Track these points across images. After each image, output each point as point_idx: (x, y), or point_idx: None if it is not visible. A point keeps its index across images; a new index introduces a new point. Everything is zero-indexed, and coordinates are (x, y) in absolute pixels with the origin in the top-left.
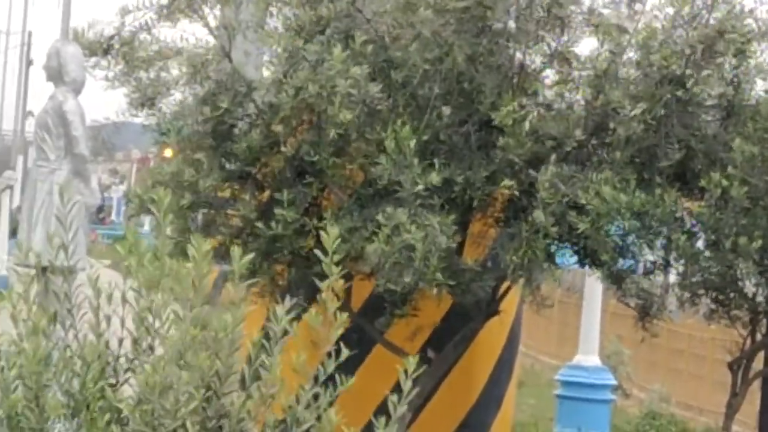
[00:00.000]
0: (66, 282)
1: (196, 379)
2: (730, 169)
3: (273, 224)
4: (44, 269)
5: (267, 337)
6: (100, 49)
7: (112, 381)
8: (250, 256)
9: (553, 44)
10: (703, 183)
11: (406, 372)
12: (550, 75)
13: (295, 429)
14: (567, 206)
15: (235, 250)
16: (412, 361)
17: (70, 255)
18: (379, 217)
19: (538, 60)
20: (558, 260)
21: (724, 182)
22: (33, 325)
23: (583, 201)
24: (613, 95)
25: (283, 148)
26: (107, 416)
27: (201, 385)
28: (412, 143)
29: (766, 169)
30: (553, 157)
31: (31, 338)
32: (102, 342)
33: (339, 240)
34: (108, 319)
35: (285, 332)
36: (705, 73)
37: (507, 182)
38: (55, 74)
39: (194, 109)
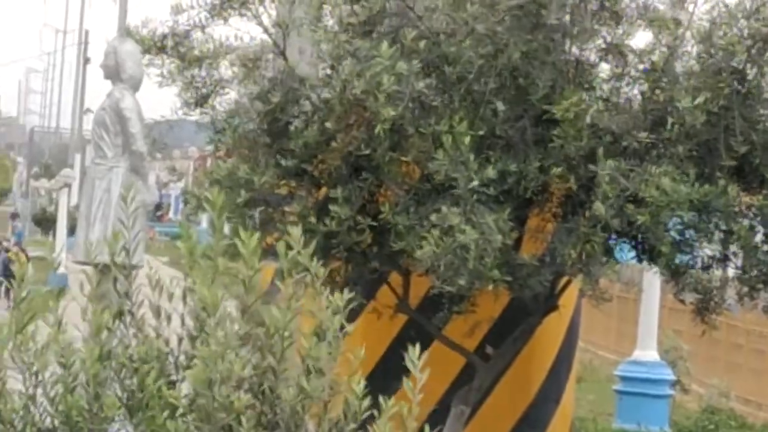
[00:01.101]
0: (126, 280)
1: (249, 373)
2: None
3: (328, 221)
4: (104, 267)
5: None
6: (154, 47)
7: (172, 378)
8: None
9: (608, 38)
10: (765, 173)
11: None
12: (605, 69)
13: (351, 424)
14: (626, 200)
15: (281, 246)
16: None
17: (131, 252)
18: (433, 218)
19: (593, 55)
20: (616, 255)
21: None
22: (94, 324)
23: (643, 194)
24: (673, 90)
25: (336, 144)
26: (165, 414)
27: (255, 380)
28: (468, 139)
29: None
30: (605, 151)
31: (91, 337)
32: (161, 340)
33: (396, 236)
34: (168, 317)
35: (342, 327)
36: (765, 59)
37: (557, 170)
38: (113, 72)
39: (249, 107)
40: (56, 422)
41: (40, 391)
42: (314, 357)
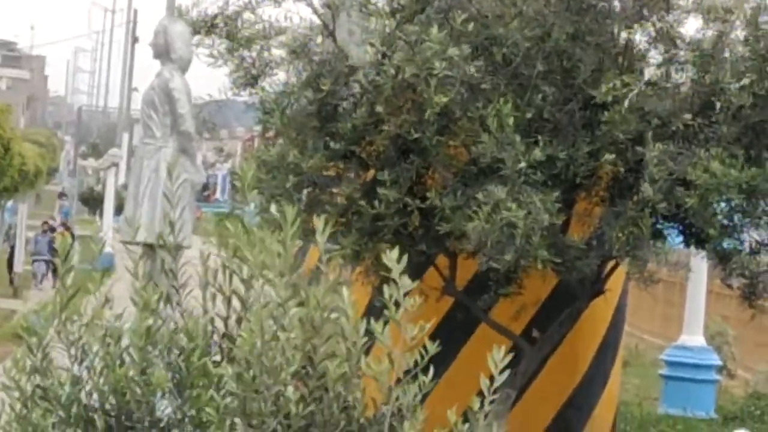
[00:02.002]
0: (173, 259)
1: (295, 343)
2: None
3: (376, 203)
4: (151, 246)
5: (373, 313)
6: (204, 27)
7: (217, 358)
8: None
9: (659, 24)
10: None
11: (511, 354)
12: (655, 55)
13: (394, 405)
14: (674, 183)
15: (316, 221)
16: (500, 353)
17: (177, 232)
18: (479, 195)
19: (642, 40)
20: (665, 239)
21: None
22: (142, 302)
23: (691, 176)
24: (720, 74)
25: (385, 127)
26: (210, 392)
27: (300, 350)
28: (511, 120)
29: None
30: (653, 134)
31: (140, 314)
32: (207, 318)
33: (443, 218)
34: (213, 296)
35: (397, 305)
36: None
37: (608, 156)
38: (162, 52)
39: (298, 90)
40: (103, 398)
41: (86, 367)
42: (380, 338)
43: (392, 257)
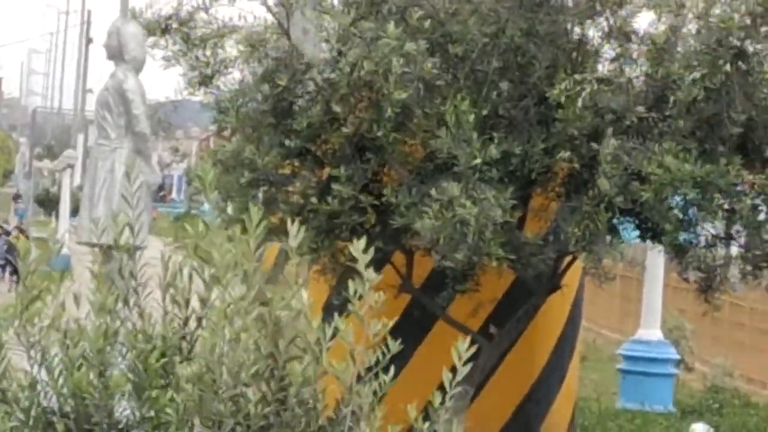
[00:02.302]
0: (131, 260)
1: (257, 343)
2: None
3: (330, 200)
4: (108, 247)
5: (331, 311)
6: (158, 28)
7: (176, 359)
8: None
9: (612, 20)
10: (767, 151)
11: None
12: (608, 51)
13: (354, 404)
14: (629, 177)
15: (293, 227)
16: (464, 345)
17: (135, 233)
18: (433, 191)
19: (596, 36)
20: (621, 234)
21: None
22: (99, 304)
23: (646, 171)
24: (673, 67)
25: (344, 129)
26: (170, 393)
27: (262, 351)
28: (471, 117)
29: None
30: (611, 130)
31: (97, 316)
32: (166, 319)
33: (398, 214)
34: (173, 297)
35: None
36: (764, 30)
37: (563, 153)
38: (116, 53)
39: (253, 87)
40: (63, 401)
41: (45, 369)
42: (343, 337)
43: (358, 247)
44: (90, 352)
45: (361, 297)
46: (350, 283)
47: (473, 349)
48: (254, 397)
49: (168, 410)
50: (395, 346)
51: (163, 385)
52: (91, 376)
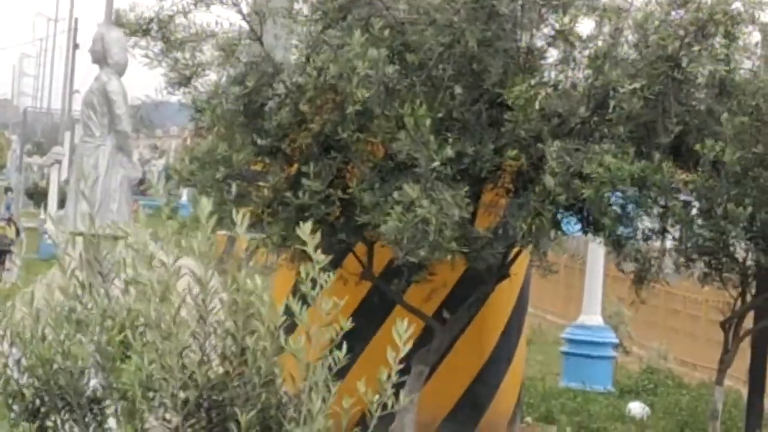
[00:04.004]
0: (100, 249)
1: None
2: (726, 132)
3: (301, 194)
4: (91, 238)
5: (298, 295)
6: (140, 30)
7: (143, 338)
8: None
9: (556, 25)
10: (697, 148)
11: (416, 327)
12: (553, 55)
13: (310, 380)
14: (572, 176)
15: (239, 216)
16: (404, 325)
17: (114, 224)
18: (395, 195)
19: (542, 42)
20: (563, 228)
21: (717, 148)
22: (66, 286)
23: (587, 170)
24: (613, 75)
25: (311, 125)
26: (132, 365)
27: (223, 330)
28: (428, 121)
29: (755, 141)
30: (551, 131)
31: (66, 297)
32: (128, 299)
33: (362, 210)
34: (141, 281)
35: (314, 287)
36: (696, 48)
37: (512, 152)
38: (100, 57)
39: (228, 89)
40: (33, 372)
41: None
42: (300, 318)
43: (305, 230)
44: (57, 327)
45: (313, 279)
46: (302, 267)
47: (413, 328)
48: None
49: (125, 380)
50: (346, 324)
51: (124, 357)
52: (56, 346)
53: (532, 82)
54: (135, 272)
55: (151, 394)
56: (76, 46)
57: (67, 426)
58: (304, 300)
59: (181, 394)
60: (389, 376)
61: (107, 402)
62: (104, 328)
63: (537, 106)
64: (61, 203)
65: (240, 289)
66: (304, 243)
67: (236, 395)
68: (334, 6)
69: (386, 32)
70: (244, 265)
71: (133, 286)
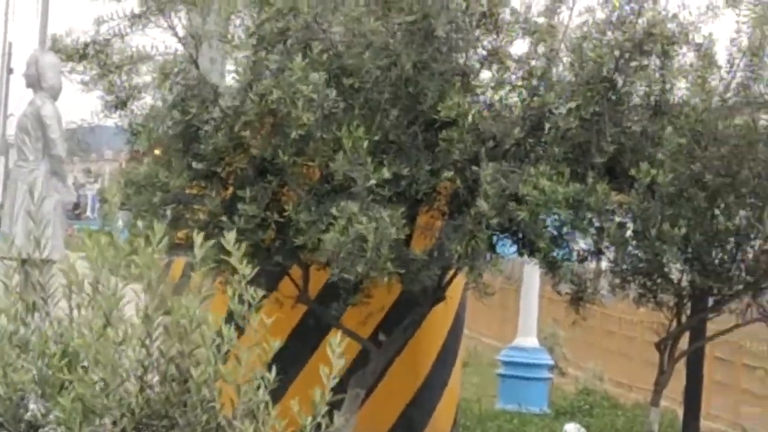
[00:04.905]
0: (42, 273)
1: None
2: (659, 156)
3: (236, 218)
4: (24, 261)
5: (230, 320)
6: (76, 54)
7: (84, 364)
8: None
9: (489, 46)
10: (632, 172)
11: (350, 345)
12: (488, 76)
13: (247, 403)
14: (507, 198)
15: (198, 240)
16: (337, 340)
17: (47, 248)
18: (334, 210)
19: (476, 63)
20: (498, 250)
21: (652, 171)
22: (12, 312)
23: (522, 192)
24: (548, 97)
25: (253, 151)
26: (72, 395)
27: (166, 356)
28: (365, 143)
29: (690, 162)
30: (490, 154)
31: (5, 322)
32: (73, 327)
33: (298, 232)
34: (79, 306)
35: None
36: (633, 65)
37: (447, 174)
38: (34, 81)
39: (164, 113)
40: None
41: None
42: (230, 343)
43: (230, 239)
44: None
45: (240, 295)
46: (229, 287)
47: (345, 342)
48: (135, 390)
49: (61, 408)
50: (276, 345)
51: (63, 385)
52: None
53: (466, 100)
54: (80, 297)
55: (91, 421)
56: (10, 71)
57: None
58: (235, 321)
59: (123, 421)
60: (323, 395)
61: (46, 429)
62: (45, 354)
63: (470, 120)
64: None
65: (181, 313)
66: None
67: (176, 422)
68: (272, 30)
69: (324, 56)
70: (184, 290)
71: (78, 311)
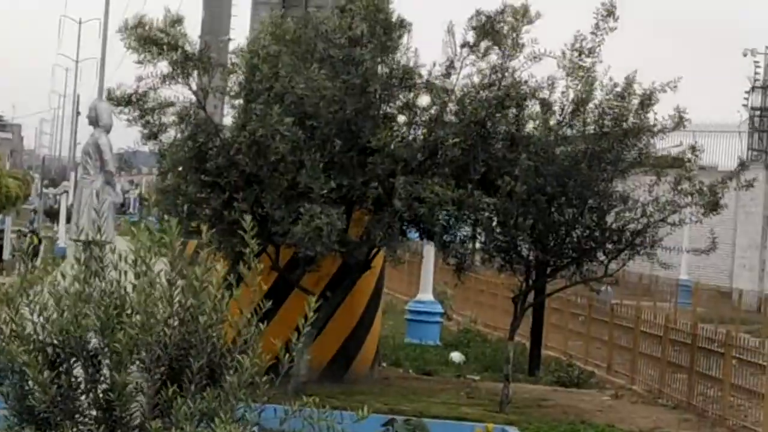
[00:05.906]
0: (100, 250)
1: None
2: (516, 171)
3: (232, 213)
4: (88, 242)
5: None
6: (123, 101)
7: (129, 312)
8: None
9: (404, 99)
10: (498, 183)
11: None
12: (402, 119)
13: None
14: (413, 200)
15: (204, 230)
16: (312, 299)
17: (104, 233)
18: (301, 210)
19: (395, 111)
20: (408, 235)
21: (511, 182)
22: (81, 277)
23: (423, 196)
24: (441, 133)
25: (243, 168)
26: (122, 333)
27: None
28: (320, 164)
29: (536, 177)
30: (398, 171)
31: (75, 283)
32: (121, 287)
33: (273, 223)
34: (125, 273)
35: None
36: (498, 115)
37: (373, 184)
38: (93, 121)
39: (182, 142)
40: (52, 336)
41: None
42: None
43: (247, 224)
44: (71, 304)
45: (249, 266)
46: (242, 258)
47: (318, 304)
48: (173, 335)
49: (119, 337)
50: (267, 305)
51: (117, 325)
52: (69, 317)
53: (388, 134)
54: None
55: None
56: (78, 114)
57: (74, 372)
58: (238, 280)
59: (156, 350)
60: (300, 333)
61: (102, 357)
62: (102, 305)
63: (390, 148)
64: (68, 219)
65: (193, 278)
66: (236, 246)
67: (190, 347)
68: (258, 87)
69: (293, 106)
70: (195, 262)
71: (124, 277)
